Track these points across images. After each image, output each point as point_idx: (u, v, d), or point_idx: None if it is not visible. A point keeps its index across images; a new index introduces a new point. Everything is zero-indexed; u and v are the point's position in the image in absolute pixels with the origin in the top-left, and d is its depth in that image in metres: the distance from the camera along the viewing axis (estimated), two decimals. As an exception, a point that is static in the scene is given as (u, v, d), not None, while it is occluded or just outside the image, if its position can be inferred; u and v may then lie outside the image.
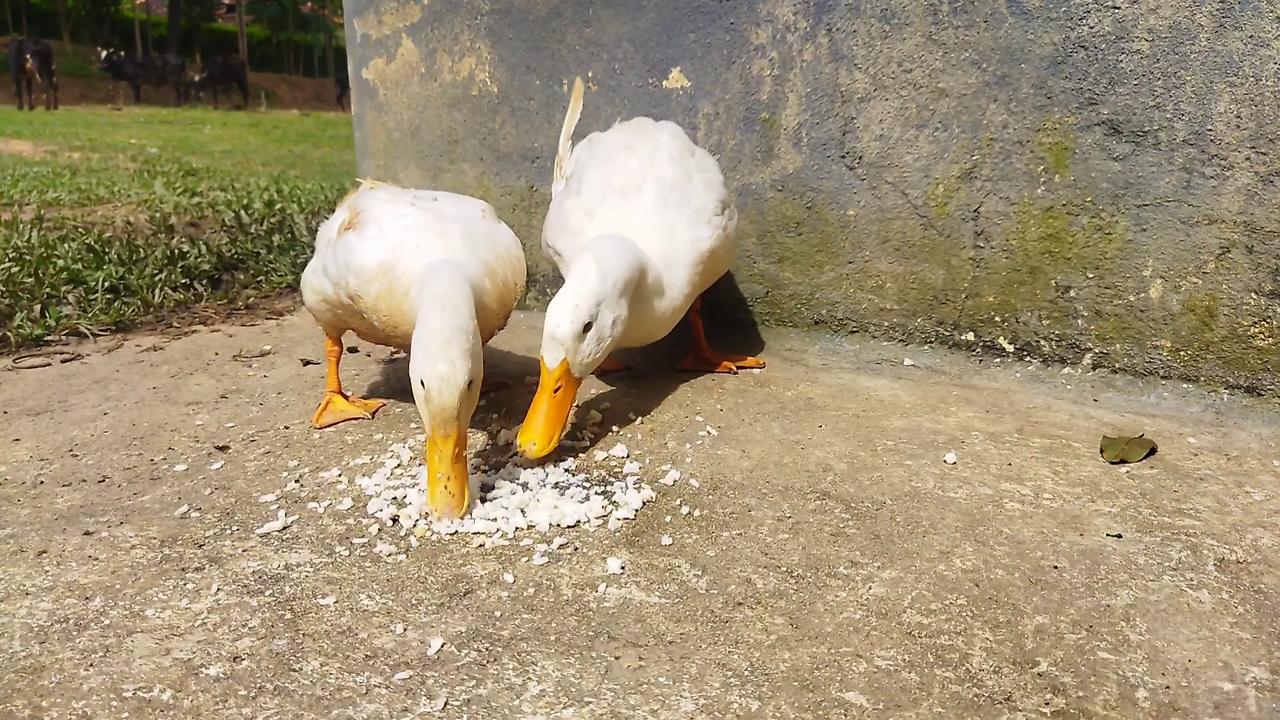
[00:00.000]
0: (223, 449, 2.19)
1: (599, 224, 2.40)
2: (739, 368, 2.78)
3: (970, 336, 2.79)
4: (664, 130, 2.62)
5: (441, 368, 1.76)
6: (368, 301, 2.13)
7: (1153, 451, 2.11)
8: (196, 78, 30.72)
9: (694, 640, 1.40)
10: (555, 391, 2.03)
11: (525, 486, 1.93)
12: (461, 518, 1.76)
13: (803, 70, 2.89)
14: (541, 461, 2.03)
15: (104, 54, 29.36)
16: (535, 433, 1.97)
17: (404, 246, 2.08)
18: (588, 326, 2.06)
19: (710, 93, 3.09)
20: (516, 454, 2.08)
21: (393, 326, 2.14)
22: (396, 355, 3.01)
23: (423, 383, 1.76)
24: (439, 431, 1.77)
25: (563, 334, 2.03)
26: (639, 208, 2.40)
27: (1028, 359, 2.69)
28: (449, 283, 1.90)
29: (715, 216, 2.47)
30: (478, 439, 2.22)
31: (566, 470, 2.03)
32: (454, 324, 1.81)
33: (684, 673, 1.32)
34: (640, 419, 2.35)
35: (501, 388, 2.58)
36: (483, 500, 1.86)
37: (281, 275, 4.19)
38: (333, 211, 2.62)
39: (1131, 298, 2.49)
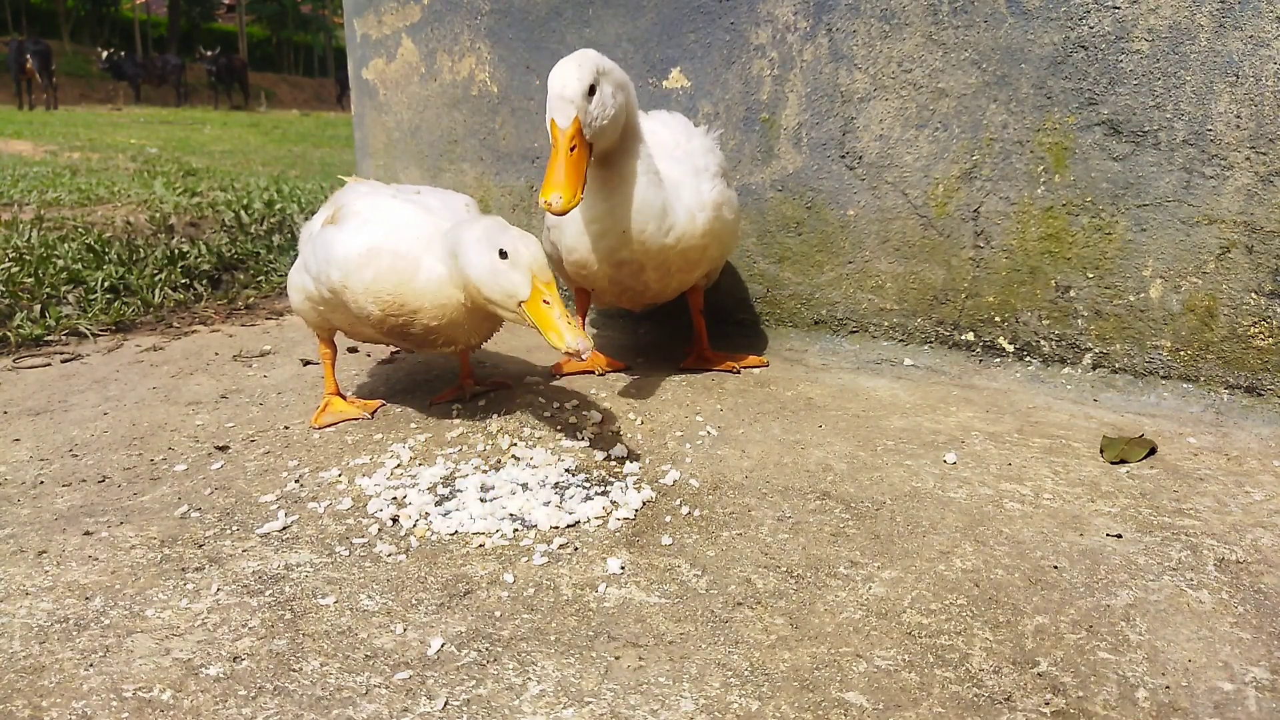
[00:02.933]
0: (223, 449, 2.19)
1: None
2: (742, 367, 2.79)
3: (970, 336, 2.79)
4: (656, 114, 2.73)
5: (513, 231, 1.93)
6: (360, 287, 2.10)
7: (1153, 451, 2.11)
8: (208, 53, 30.68)
9: (694, 640, 1.40)
10: (571, 150, 2.06)
11: (525, 487, 1.93)
12: (590, 349, 1.85)
13: (803, 70, 2.89)
14: (565, 214, 2.11)
15: (104, 54, 29.35)
16: (558, 185, 2.00)
17: (398, 230, 2.11)
18: (593, 88, 2.09)
19: (710, 93, 3.08)
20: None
21: (398, 306, 2.10)
22: (396, 355, 3.01)
23: (503, 251, 1.90)
24: (542, 279, 1.89)
25: (571, 91, 2.07)
26: None
27: (1028, 359, 2.69)
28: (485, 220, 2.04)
29: (716, 177, 2.50)
30: (477, 439, 2.22)
31: (566, 470, 2.03)
32: (489, 218, 2.02)
33: (684, 673, 1.32)
34: (640, 419, 2.35)
35: (502, 388, 2.58)
36: (482, 500, 1.86)
37: (281, 275, 4.19)
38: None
39: (1131, 298, 2.49)
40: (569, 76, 2.07)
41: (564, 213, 2.01)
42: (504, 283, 1.91)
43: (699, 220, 2.41)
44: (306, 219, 5.25)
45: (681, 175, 2.42)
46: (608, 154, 2.26)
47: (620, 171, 2.28)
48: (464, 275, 1.98)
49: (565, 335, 1.84)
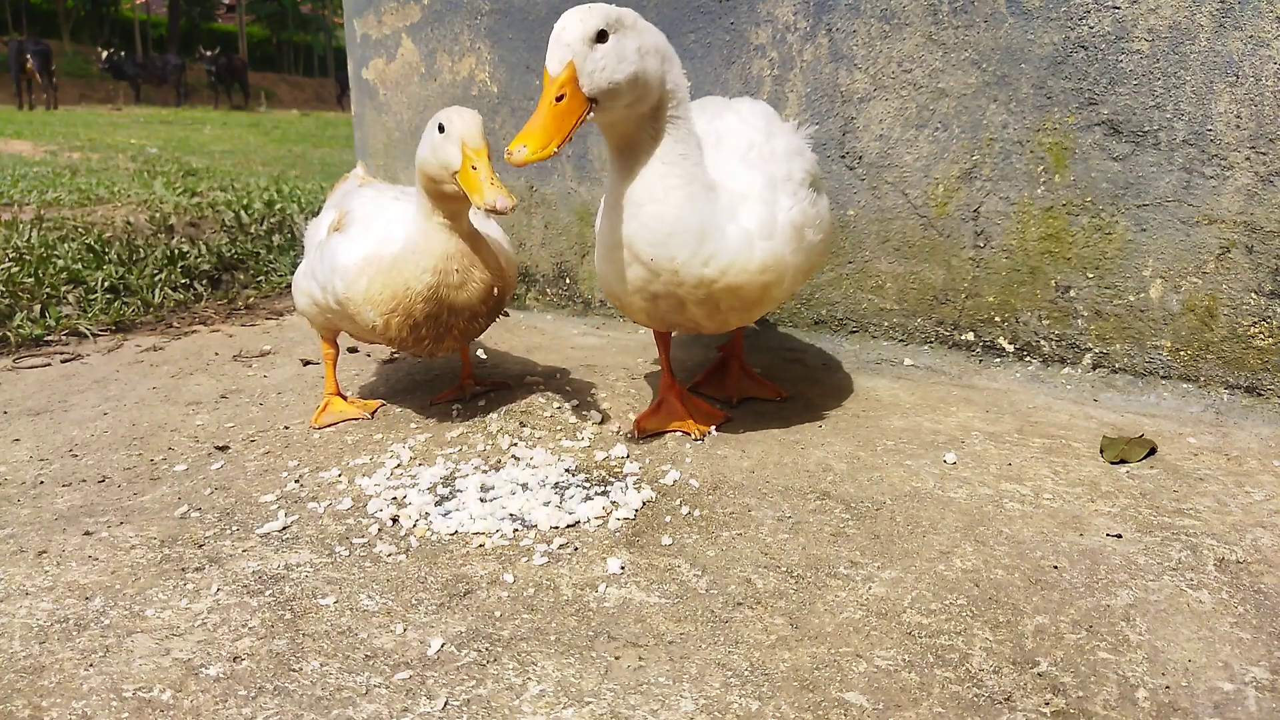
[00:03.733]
0: (223, 449, 2.19)
1: None
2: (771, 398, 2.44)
3: (970, 336, 2.79)
4: (739, 103, 2.33)
5: (454, 108, 1.95)
6: (357, 296, 2.11)
7: (1153, 451, 2.11)
8: (208, 53, 30.66)
9: (694, 640, 1.40)
10: (558, 101, 1.73)
11: (525, 487, 1.93)
12: (512, 208, 1.82)
13: (803, 70, 2.89)
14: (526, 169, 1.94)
15: (104, 54, 29.34)
16: (527, 136, 1.70)
17: (390, 241, 2.10)
18: (603, 36, 1.75)
19: (711, 92, 3.08)
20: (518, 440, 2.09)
21: (385, 320, 2.10)
22: (396, 355, 3.01)
23: (441, 126, 1.92)
24: (471, 146, 1.89)
25: (569, 35, 1.74)
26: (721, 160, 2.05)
27: (1028, 359, 2.69)
28: None
29: (801, 188, 2.06)
30: (477, 439, 2.22)
31: (566, 470, 2.03)
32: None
33: (684, 673, 1.32)
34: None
35: (502, 388, 2.58)
36: (482, 501, 1.86)
37: (281, 275, 4.19)
38: (320, 210, 2.62)
39: (1131, 298, 2.49)
40: (571, 18, 1.76)
41: (523, 164, 1.70)
42: (440, 155, 1.93)
43: (759, 251, 1.92)
44: (307, 219, 5.25)
45: (750, 186, 1.98)
46: (632, 144, 1.89)
47: (644, 174, 1.88)
48: (417, 167, 2.02)
49: (485, 192, 1.82)
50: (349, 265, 2.12)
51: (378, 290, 2.07)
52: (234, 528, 1.78)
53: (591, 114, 1.78)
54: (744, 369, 2.45)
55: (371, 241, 2.13)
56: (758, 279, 1.94)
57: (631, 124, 1.86)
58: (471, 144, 1.90)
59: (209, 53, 30.86)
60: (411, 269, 2.03)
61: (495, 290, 2.14)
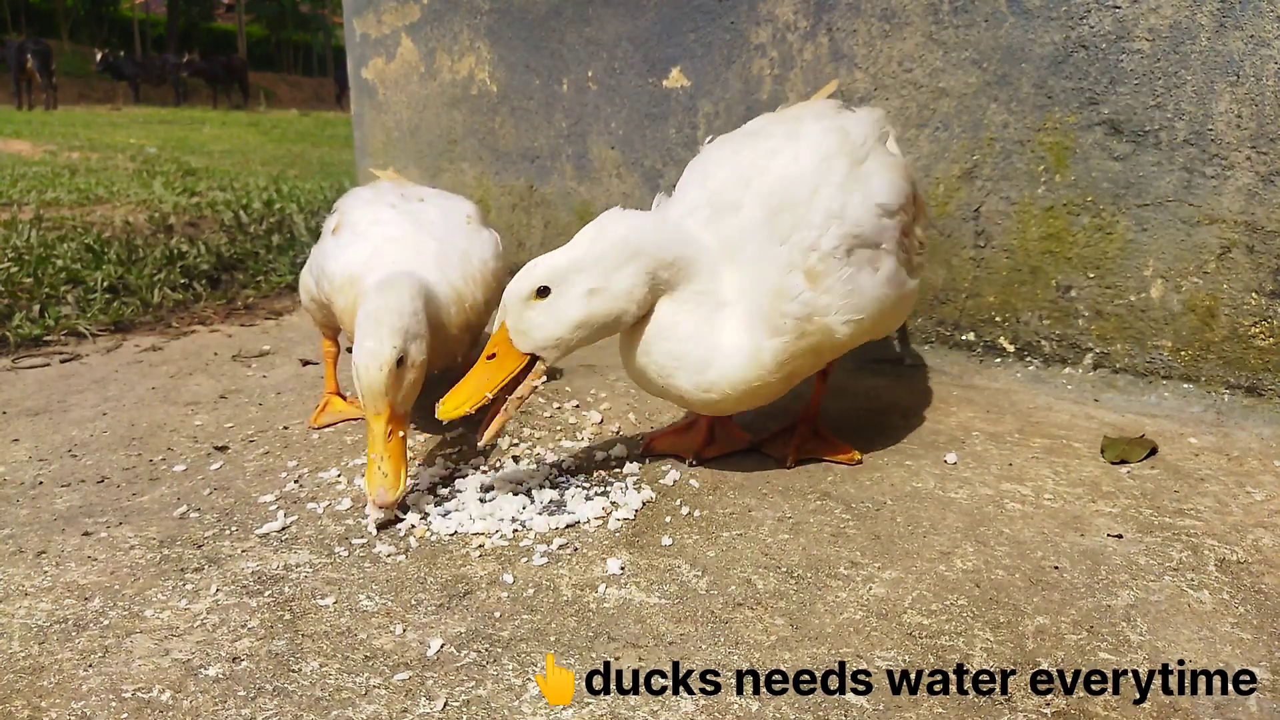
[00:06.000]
0: (222, 449, 2.19)
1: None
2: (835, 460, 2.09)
3: (971, 336, 2.78)
4: (822, 118, 2.03)
5: (369, 344, 1.78)
6: (337, 309, 2.18)
7: (1153, 452, 2.11)
8: (186, 58, 30.60)
9: (694, 641, 1.39)
10: (489, 359, 1.76)
11: (525, 487, 1.92)
12: (392, 504, 1.73)
13: (803, 70, 2.89)
14: (446, 426, 1.85)
15: (99, 55, 29.30)
16: (451, 394, 1.73)
17: (375, 260, 2.07)
18: (544, 292, 1.72)
19: (710, 92, 3.08)
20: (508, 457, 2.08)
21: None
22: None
23: (355, 361, 1.79)
24: (370, 409, 1.78)
25: (508, 293, 1.74)
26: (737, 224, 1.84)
27: (1028, 359, 2.69)
28: (394, 276, 1.93)
29: (831, 264, 1.78)
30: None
31: (566, 470, 2.02)
32: (387, 302, 1.84)
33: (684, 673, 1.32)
34: (640, 419, 2.34)
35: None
36: (482, 501, 1.86)
37: (281, 275, 4.18)
38: (331, 207, 2.63)
39: (1132, 297, 2.49)
40: (516, 277, 1.74)
41: (441, 421, 1.71)
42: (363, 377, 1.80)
43: (767, 356, 1.76)
44: (306, 219, 5.25)
45: (763, 276, 1.76)
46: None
47: (653, 319, 1.79)
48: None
49: (370, 478, 1.74)
50: (336, 274, 2.15)
51: (349, 317, 2.09)
52: (233, 528, 1.77)
53: (542, 366, 1.77)
54: (816, 430, 2.14)
55: (359, 256, 2.13)
56: (770, 383, 1.80)
57: (618, 330, 1.81)
58: (372, 409, 1.77)
59: (187, 58, 30.73)
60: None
61: (469, 330, 2.18)
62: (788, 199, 1.80)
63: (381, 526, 1.76)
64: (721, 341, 1.76)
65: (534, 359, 1.77)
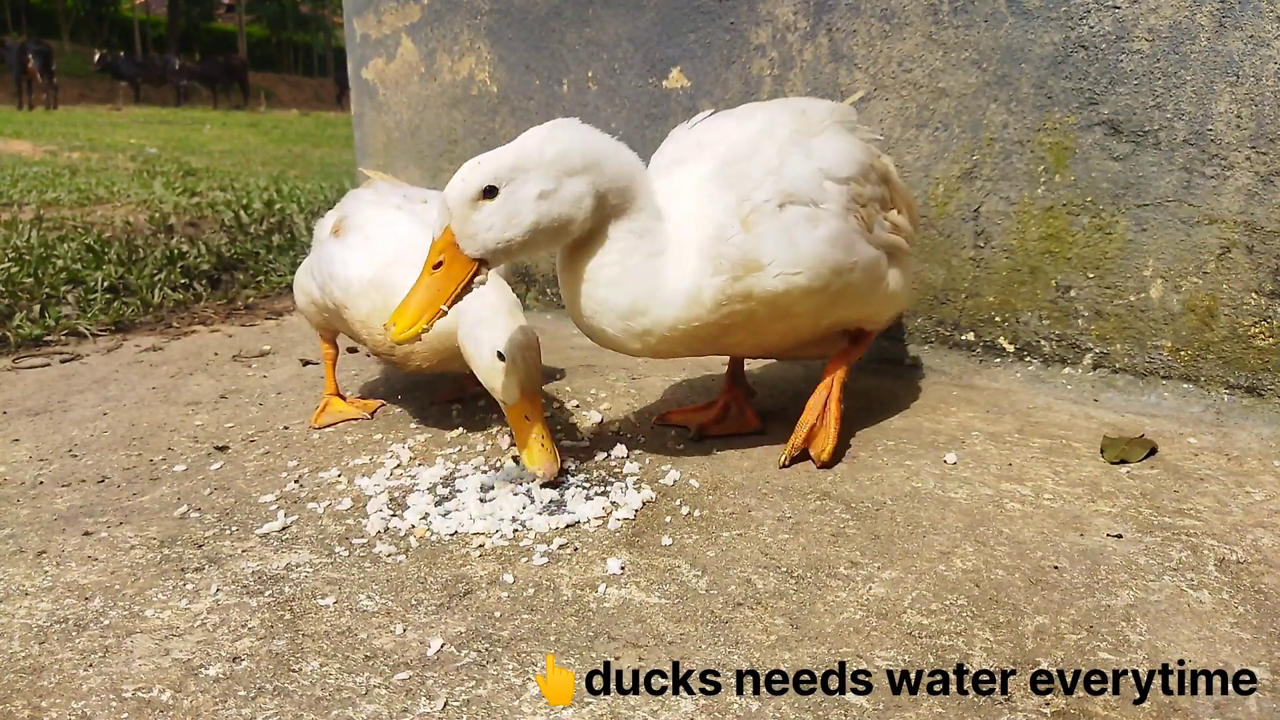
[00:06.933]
0: (222, 449, 2.19)
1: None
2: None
3: (970, 336, 2.78)
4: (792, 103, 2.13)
5: (518, 336, 1.86)
6: (358, 316, 2.14)
7: (1153, 452, 2.11)
8: (178, 64, 30.53)
9: (694, 640, 1.40)
10: (434, 269, 1.68)
11: (525, 487, 1.93)
12: (557, 473, 1.86)
13: (803, 70, 2.89)
14: (403, 345, 1.79)
15: (98, 56, 29.29)
16: (399, 312, 1.66)
17: (399, 265, 2.04)
18: (492, 192, 1.65)
19: (710, 92, 3.08)
20: (524, 468, 2.08)
21: (388, 349, 2.15)
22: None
23: (501, 354, 1.84)
24: (528, 394, 1.86)
25: (450, 195, 1.66)
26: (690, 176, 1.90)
27: (1028, 359, 2.69)
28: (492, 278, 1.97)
29: (764, 213, 1.82)
30: (477, 439, 2.22)
31: (566, 471, 2.02)
32: (510, 298, 1.95)
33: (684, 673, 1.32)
34: (640, 419, 2.35)
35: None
36: (482, 501, 1.86)
37: (281, 275, 4.19)
38: (331, 207, 2.62)
39: (1132, 298, 2.49)
40: (456, 175, 1.67)
41: (398, 343, 1.66)
42: (494, 382, 1.88)
43: (707, 295, 1.78)
44: (306, 219, 5.25)
45: (709, 213, 1.82)
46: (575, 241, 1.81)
47: (595, 253, 1.79)
48: (464, 350, 1.94)
49: (535, 456, 1.85)
50: (350, 279, 2.13)
51: (376, 324, 2.10)
52: (233, 528, 1.77)
53: (484, 272, 1.70)
54: (824, 418, 2.09)
55: (377, 260, 2.11)
56: (707, 323, 1.80)
57: (569, 237, 1.77)
58: (529, 389, 1.87)
59: (180, 63, 30.55)
60: (419, 345, 2.07)
61: None
62: (734, 155, 1.90)
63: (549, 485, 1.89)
64: (664, 281, 1.77)
65: (481, 264, 1.69)
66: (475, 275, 1.69)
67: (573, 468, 2.04)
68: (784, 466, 2.02)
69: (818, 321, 1.97)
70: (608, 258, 1.77)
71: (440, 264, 1.67)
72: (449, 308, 1.66)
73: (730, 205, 1.81)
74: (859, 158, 1.99)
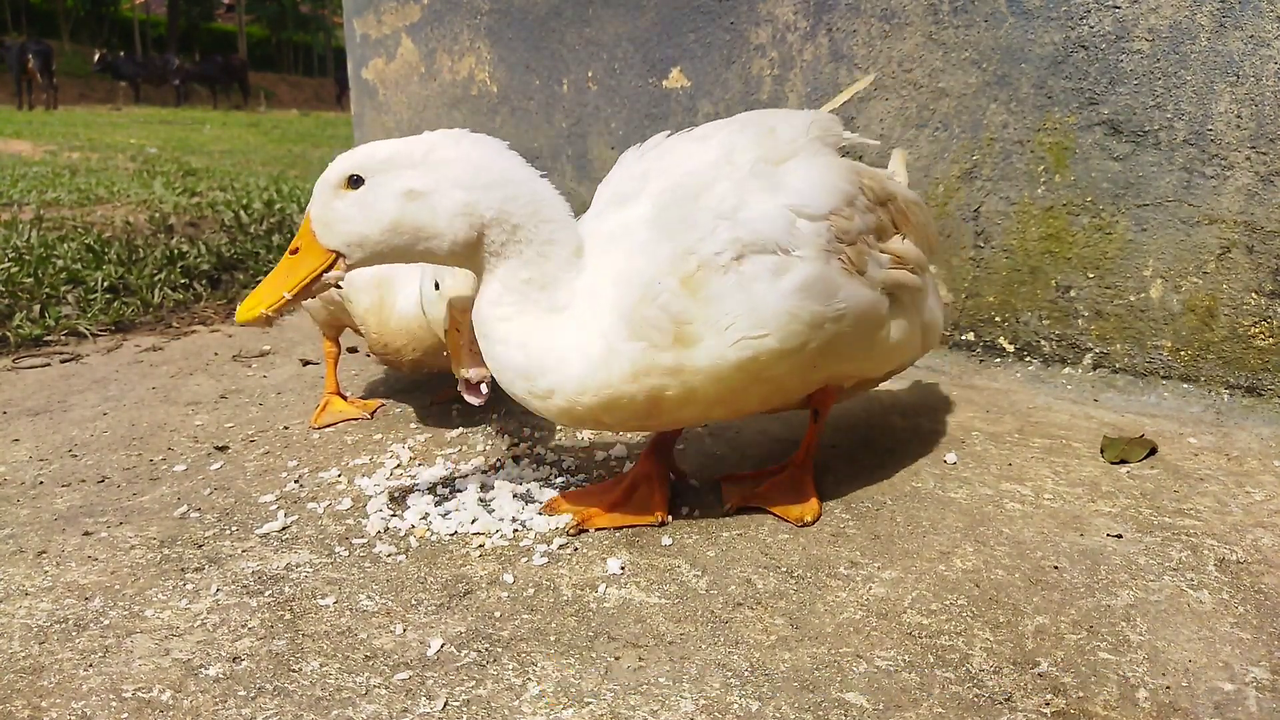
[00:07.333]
0: (222, 449, 2.19)
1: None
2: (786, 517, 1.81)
3: (970, 336, 2.79)
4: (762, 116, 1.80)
5: (451, 271, 1.83)
6: (357, 311, 2.17)
7: (1153, 452, 2.11)
8: (176, 64, 30.45)
9: (694, 640, 1.40)
10: (292, 253, 1.57)
11: (524, 487, 1.93)
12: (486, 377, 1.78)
13: (803, 70, 2.89)
14: (254, 326, 1.65)
15: (97, 56, 29.29)
16: (251, 294, 1.55)
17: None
18: (357, 181, 1.53)
19: (710, 92, 3.08)
20: (512, 457, 2.08)
21: (382, 345, 2.16)
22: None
23: (438, 284, 1.88)
24: (456, 308, 1.84)
25: (320, 180, 1.55)
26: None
27: (1028, 359, 2.69)
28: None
29: (710, 272, 1.52)
30: (477, 439, 2.22)
31: (566, 470, 2.02)
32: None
33: (684, 673, 1.32)
34: (640, 419, 2.35)
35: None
36: (482, 501, 1.86)
37: (281, 275, 4.18)
38: None
39: (1132, 298, 2.49)
40: (334, 160, 1.56)
41: (239, 324, 1.53)
42: (432, 311, 1.92)
43: (621, 362, 1.52)
44: (306, 219, 5.25)
45: (640, 272, 1.52)
46: (462, 264, 1.63)
47: (480, 301, 1.61)
48: (422, 299, 2.00)
49: (464, 360, 1.81)
50: (352, 273, 2.13)
51: (389, 332, 2.13)
52: (233, 528, 1.77)
53: (341, 267, 1.55)
54: (797, 481, 1.85)
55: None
56: (625, 394, 1.53)
57: (439, 259, 1.59)
58: (458, 306, 1.83)
59: (177, 63, 30.48)
60: (404, 339, 2.12)
61: None
62: (678, 195, 1.59)
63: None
64: (562, 342, 1.54)
65: (339, 258, 1.55)
66: (329, 269, 1.55)
67: (573, 467, 2.04)
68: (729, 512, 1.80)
69: (806, 379, 1.68)
70: (501, 310, 1.57)
71: (297, 250, 1.56)
72: (292, 296, 1.53)
73: (665, 259, 1.52)
74: (840, 185, 1.65)
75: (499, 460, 2.09)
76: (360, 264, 1.57)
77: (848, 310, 1.61)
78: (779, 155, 1.65)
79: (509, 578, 1.58)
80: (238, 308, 1.55)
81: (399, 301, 2.11)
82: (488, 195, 1.54)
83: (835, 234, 1.61)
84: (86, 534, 1.74)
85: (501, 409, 2.41)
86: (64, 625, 1.44)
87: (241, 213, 5.47)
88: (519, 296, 1.56)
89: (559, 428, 2.28)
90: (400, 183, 1.52)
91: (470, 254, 1.57)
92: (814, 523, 1.76)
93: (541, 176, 1.63)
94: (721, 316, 1.51)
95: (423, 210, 1.52)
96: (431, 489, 1.93)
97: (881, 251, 1.73)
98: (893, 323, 1.76)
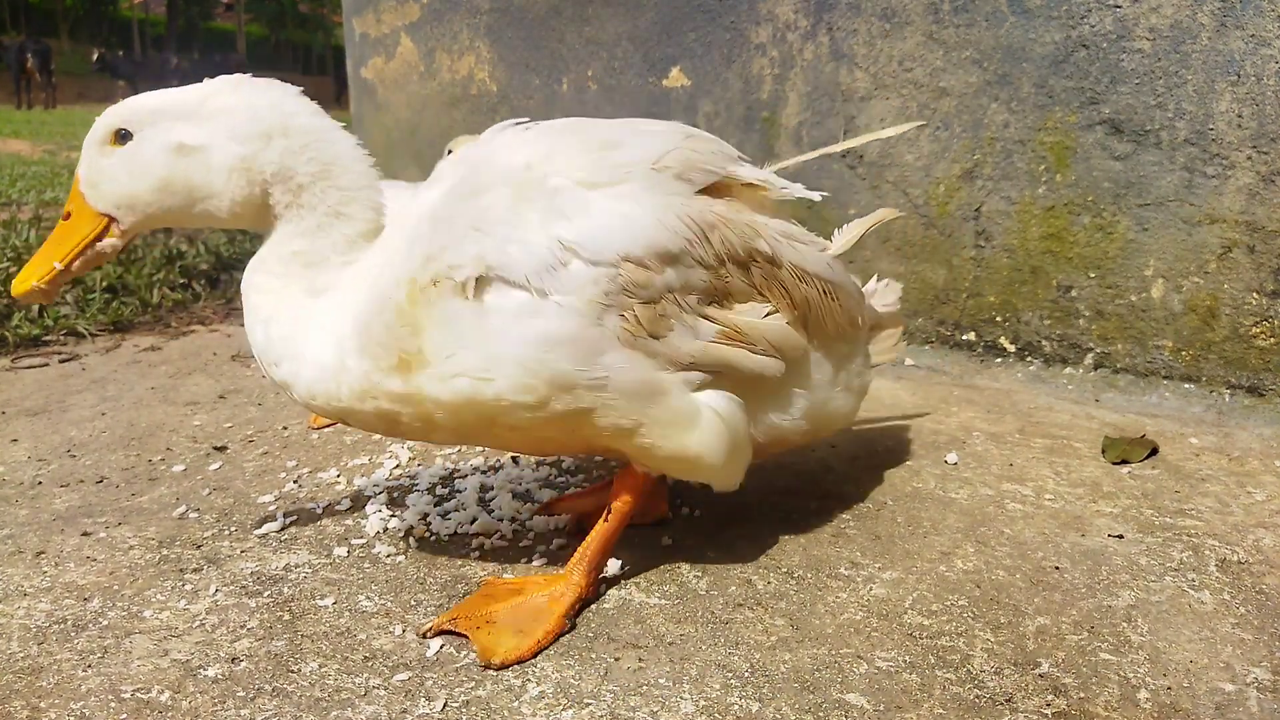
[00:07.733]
0: (221, 449, 2.19)
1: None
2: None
3: (971, 336, 2.78)
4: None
5: None
6: None
7: (1154, 452, 2.10)
8: (174, 63, 30.20)
9: (694, 641, 1.39)
10: (65, 219, 1.43)
11: (524, 487, 1.92)
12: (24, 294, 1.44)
13: (803, 69, 2.88)
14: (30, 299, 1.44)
15: (96, 55, 29.25)
16: (25, 267, 1.42)
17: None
18: (125, 137, 1.38)
19: (710, 91, 3.08)
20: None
21: None
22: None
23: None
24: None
25: (88, 137, 1.41)
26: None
27: (1029, 359, 2.69)
28: None
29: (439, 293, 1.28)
30: (477, 439, 2.22)
31: (565, 471, 2.02)
32: None
33: (684, 674, 1.31)
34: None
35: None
36: (482, 502, 1.86)
37: (280, 274, 4.18)
38: None
39: (1133, 297, 2.49)
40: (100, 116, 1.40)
41: (18, 298, 1.40)
42: None
43: (349, 378, 1.35)
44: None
45: (391, 280, 1.32)
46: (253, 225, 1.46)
47: (250, 272, 1.45)
48: None
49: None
50: None
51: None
52: (232, 528, 1.77)
53: (115, 234, 1.41)
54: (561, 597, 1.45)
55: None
56: (354, 410, 1.38)
57: (222, 223, 1.44)
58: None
59: (175, 62, 30.18)
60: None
61: None
62: (460, 190, 1.37)
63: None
64: (304, 335, 1.38)
65: (112, 222, 1.41)
66: (102, 236, 1.41)
67: (573, 467, 2.03)
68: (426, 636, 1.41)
69: (575, 437, 1.39)
70: (259, 278, 1.41)
71: (69, 215, 1.42)
72: (63, 266, 1.40)
73: (417, 262, 1.30)
74: (653, 232, 1.32)
75: (498, 461, 2.08)
76: (137, 229, 1.42)
77: (609, 379, 1.31)
78: (601, 178, 1.35)
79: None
80: (14, 282, 1.41)
81: None
82: (268, 147, 1.36)
83: (624, 286, 1.30)
84: (85, 534, 1.74)
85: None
86: (63, 626, 1.43)
87: (241, 212, 5.47)
88: (283, 269, 1.40)
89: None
90: (170, 136, 1.36)
91: (257, 217, 1.42)
92: (502, 667, 1.31)
93: (347, 132, 1.43)
94: (446, 343, 1.28)
95: (195, 167, 1.36)
96: (431, 489, 1.93)
97: (712, 320, 1.40)
98: (712, 407, 1.40)
